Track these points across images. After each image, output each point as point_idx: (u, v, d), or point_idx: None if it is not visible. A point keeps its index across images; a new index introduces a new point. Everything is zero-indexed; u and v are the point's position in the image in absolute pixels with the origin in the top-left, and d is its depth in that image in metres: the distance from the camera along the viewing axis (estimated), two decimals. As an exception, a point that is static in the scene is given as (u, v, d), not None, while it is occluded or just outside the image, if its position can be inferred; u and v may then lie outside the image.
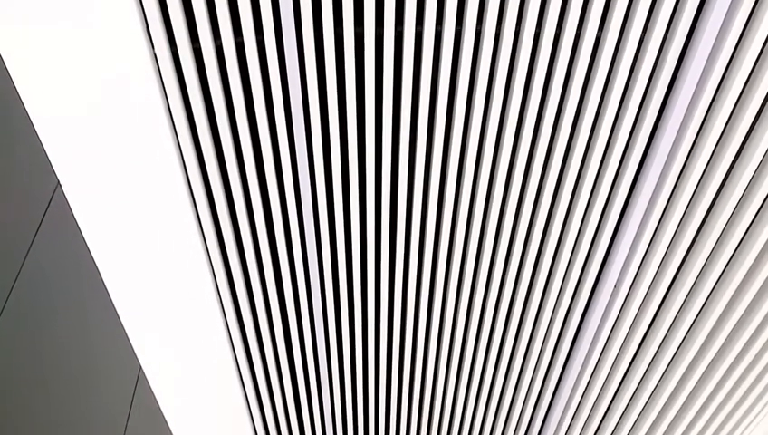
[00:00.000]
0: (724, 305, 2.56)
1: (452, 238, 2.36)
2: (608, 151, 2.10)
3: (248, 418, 3.16)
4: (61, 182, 1.33)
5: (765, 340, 2.70)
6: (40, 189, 1.25)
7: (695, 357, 2.84)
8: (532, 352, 2.90)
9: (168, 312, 2.00)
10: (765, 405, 3.21)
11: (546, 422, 3.36)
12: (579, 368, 2.97)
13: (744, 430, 3.38)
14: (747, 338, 2.69)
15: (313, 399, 3.07)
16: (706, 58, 1.81)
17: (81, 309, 1.37)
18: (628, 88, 1.91)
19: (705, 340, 2.75)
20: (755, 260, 2.37)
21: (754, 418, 3.30)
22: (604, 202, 2.25)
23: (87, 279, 1.42)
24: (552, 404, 3.24)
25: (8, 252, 1.10)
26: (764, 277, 2.42)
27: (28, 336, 1.15)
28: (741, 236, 2.29)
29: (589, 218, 2.30)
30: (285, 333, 2.72)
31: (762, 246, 2.30)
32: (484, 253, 2.41)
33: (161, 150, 1.90)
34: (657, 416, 3.20)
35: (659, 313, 2.66)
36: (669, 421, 3.21)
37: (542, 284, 2.57)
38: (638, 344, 2.80)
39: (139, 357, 1.72)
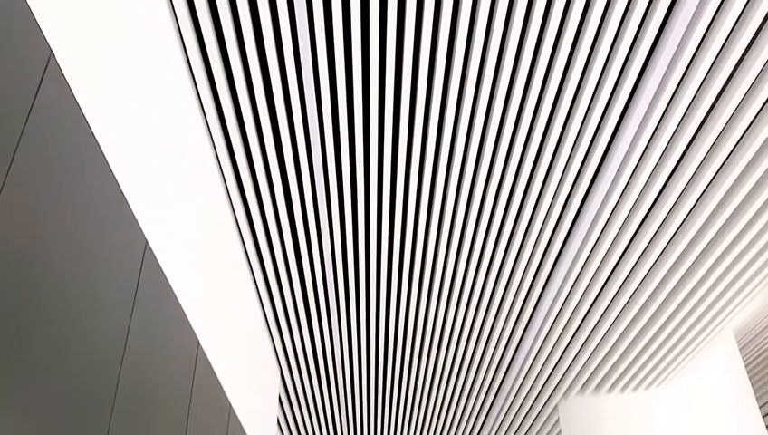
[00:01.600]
0: (723, 193, 2.57)
1: (459, 103, 2.33)
2: (617, 39, 2.04)
3: (250, 276, 3.29)
4: (54, 52, 1.31)
5: (762, 225, 2.74)
6: (33, 60, 1.23)
7: (692, 240, 2.88)
8: (532, 229, 2.95)
9: (170, 181, 2.02)
10: (757, 285, 3.31)
11: (543, 296, 3.49)
12: (578, 245, 3.03)
13: (736, 307, 3.50)
14: (744, 224, 2.73)
15: (314, 249, 3.16)
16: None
17: (83, 186, 1.39)
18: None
19: (703, 224, 2.78)
20: (756, 153, 2.37)
21: (745, 297, 3.41)
22: (612, 86, 2.20)
23: (87, 153, 1.43)
24: (549, 281, 3.35)
25: (5, 126, 1.10)
26: (764, 170, 2.43)
27: (29, 213, 1.17)
28: (743, 131, 2.27)
29: (596, 101, 2.26)
30: (285, 190, 2.77)
31: (762, 141, 2.30)
32: (491, 126, 2.40)
33: (157, 15, 1.85)
34: (652, 294, 3.31)
35: (659, 198, 2.67)
36: (663, 298, 3.32)
37: (547, 164, 2.57)
38: (636, 227, 2.84)
39: (144, 231, 1.75)
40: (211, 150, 2.52)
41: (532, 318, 3.76)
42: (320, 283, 3.42)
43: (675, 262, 3.06)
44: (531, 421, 5.16)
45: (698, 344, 3.85)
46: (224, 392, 2.70)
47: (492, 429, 5.49)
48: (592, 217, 2.86)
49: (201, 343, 2.37)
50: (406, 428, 5.62)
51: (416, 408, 5.14)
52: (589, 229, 2.94)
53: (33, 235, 1.18)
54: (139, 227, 1.72)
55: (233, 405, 2.88)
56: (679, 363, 4.04)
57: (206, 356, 2.43)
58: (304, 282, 3.41)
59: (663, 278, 3.19)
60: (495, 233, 3.03)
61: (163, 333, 1.96)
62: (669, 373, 4.14)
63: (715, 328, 3.70)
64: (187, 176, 2.23)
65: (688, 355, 3.96)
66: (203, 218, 2.47)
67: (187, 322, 2.22)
